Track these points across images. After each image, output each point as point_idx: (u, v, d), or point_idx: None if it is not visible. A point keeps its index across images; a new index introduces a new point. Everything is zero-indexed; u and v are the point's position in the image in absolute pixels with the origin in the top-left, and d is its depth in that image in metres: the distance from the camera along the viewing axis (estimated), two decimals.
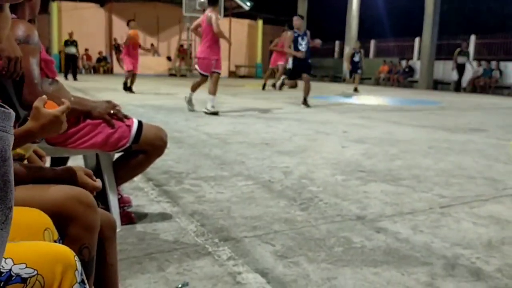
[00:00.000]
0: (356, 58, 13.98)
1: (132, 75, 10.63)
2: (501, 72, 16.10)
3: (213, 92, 6.80)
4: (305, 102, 8.33)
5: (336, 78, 23.40)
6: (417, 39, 19.72)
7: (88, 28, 20.45)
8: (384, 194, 2.79)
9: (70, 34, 15.92)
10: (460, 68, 15.72)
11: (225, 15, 21.18)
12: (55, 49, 20.08)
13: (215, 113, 6.68)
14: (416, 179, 3.18)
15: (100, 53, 21.53)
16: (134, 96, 9.77)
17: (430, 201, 2.67)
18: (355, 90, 13.66)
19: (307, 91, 8.33)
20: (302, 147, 4.32)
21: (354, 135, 5.15)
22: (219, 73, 6.96)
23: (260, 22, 24.60)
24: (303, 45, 8.44)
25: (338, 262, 1.79)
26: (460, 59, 15.62)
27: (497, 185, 3.09)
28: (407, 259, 1.84)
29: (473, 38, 17.92)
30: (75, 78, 15.13)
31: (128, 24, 10.60)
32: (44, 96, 1.10)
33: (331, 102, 9.86)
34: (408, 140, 4.93)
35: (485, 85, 16.08)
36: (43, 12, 19.11)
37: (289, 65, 9.55)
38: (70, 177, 1.13)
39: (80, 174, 1.14)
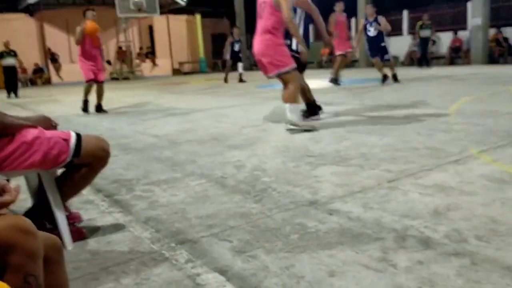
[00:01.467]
0: (236, 48, 13.88)
1: (96, 85, 7.54)
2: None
3: (293, 99, 4.58)
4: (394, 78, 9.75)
5: None
6: (353, 19, 20.19)
7: (19, 40, 19.48)
8: (334, 176, 2.86)
9: (6, 44, 13.49)
10: (423, 42, 15.19)
11: (162, 12, 20.84)
12: None
13: (309, 130, 4.57)
14: (364, 158, 3.28)
15: (36, 64, 20.61)
16: (74, 105, 8.59)
17: (378, 177, 2.77)
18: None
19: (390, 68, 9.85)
20: (252, 139, 4.34)
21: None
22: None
23: (198, 17, 24.34)
24: (371, 31, 9.86)
25: (295, 249, 1.82)
26: (423, 33, 14.97)
27: (439, 154, 3.24)
28: (360, 237, 1.90)
29: (405, 13, 18.60)
30: (16, 95, 13.17)
31: (84, 14, 7.64)
32: None
33: (278, 90, 9.93)
34: (353, 120, 5.07)
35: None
36: None
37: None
38: None
39: None
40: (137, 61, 22.55)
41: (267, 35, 4.53)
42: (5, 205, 1.05)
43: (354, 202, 2.35)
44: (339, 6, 9.97)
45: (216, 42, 27.10)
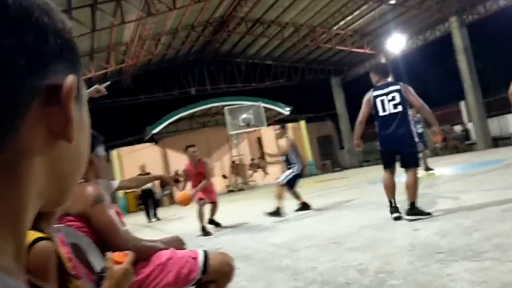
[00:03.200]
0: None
1: (211, 204, 7.67)
2: None
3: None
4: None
5: None
6: (462, 103, 19.53)
7: (148, 166, 21.76)
8: (469, 273, 2.62)
9: (142, 167, 13.50)
10: None
11: (268, 124, 22.13)
12: (120, 192, 21.36)
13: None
14: (499, 249, 2.97)
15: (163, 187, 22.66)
16: (196, 221, 8.15)
17: None
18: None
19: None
20: (372, 239, 4.20)
21: None
22: None
23: (302, 123, 25.36)
24: None
25: None
26: None
27: None
28: None
29: None
30: (156, 216, 12.72)
31: (186, 150, 7.79)
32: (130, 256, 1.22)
33: None
34: (480, 208, 4.68)
35: None
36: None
37: None
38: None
39: None
40: (250, 172, 23.66)
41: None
42: None
43: None
44: None
45: (323, 144, 27.68)
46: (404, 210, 4.90)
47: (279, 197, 7.21)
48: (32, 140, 0.38)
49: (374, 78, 5.25)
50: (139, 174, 13.05)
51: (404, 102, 4.95)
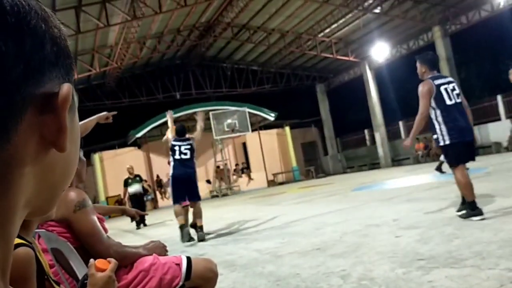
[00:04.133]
0: None
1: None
2: None
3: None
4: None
5: (374, 165, 23.35)
6: None
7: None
8: (449, 280, 2.65)
9: (130, 169, 12.47)
10: None
11: (253, 130, 22.15)
12: (101, 197, 21.10)
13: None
14: (479, 257, 3.02)
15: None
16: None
17: (499, 278, 2.52)
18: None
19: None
20: (355, 245, 4.23)
21: (406, 221, 5.01)
22: None
23: (287, 129, 25.47)
24: None
25: None
26: None
27: None
28: None
29: (499, 98, 17.91)
30: (144, 223, 11.56)
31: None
32: (113, 262, 1.21)
33: (373, 191, 9.74)
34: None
35: None
36: (86, 166, 20.49)
37: None
38: None
39: None
40: (234, 177, 23.63)
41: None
42: None
43: None
44: None
45: (307, 150, 27.83)
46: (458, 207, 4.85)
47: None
48: (26, 149, 0.37)
49: (422, 68, 4.89)
50: (128, 178, 12.47)
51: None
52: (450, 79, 4.85)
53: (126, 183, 12.36)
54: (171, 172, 6.93)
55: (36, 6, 0.39)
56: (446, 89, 4.67)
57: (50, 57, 0.39)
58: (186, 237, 6.51)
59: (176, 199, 6.85)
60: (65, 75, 0.42)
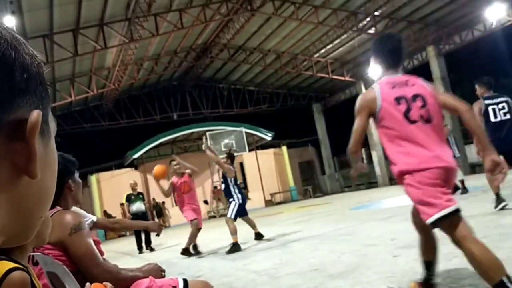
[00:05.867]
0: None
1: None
2: None
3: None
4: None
5: (371, 184, 23.35)
6: None
7: (126, 191, 21.50)
8: None
9: (133, 185, 11.33)
10: None
11: (250, 150, 22.17)
12: (98, 214, 20.98)
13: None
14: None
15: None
16: (176, 248, 8.74)
17: None
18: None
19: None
20: (353, 265, 4.20)
21: (403, 241, 4.99)
22: None
23: (284, 148, 25.53)
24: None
25: None
26: None
27: None
28: None
29: None
30: (150, 246, 10.63)
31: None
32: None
33: (371, 210, 9.71)
34: None
35: None
36: (83, 187, 20.41)
37: None
38: None
39: None
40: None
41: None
42: None
43: None
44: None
45: (304, 170, 27.82)
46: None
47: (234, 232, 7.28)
48: None
49: (480, 90, 5.94)
50: (130, 194, 11.33)
51: None
52: (503, 99, 5.78)
53: (129, 200, 11.13)
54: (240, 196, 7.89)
55: (6, 34, 0.39)
56: (493, 109, 5.69)
57: (20, 84, 0.39)
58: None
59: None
60: (38, 101, 0.41)
